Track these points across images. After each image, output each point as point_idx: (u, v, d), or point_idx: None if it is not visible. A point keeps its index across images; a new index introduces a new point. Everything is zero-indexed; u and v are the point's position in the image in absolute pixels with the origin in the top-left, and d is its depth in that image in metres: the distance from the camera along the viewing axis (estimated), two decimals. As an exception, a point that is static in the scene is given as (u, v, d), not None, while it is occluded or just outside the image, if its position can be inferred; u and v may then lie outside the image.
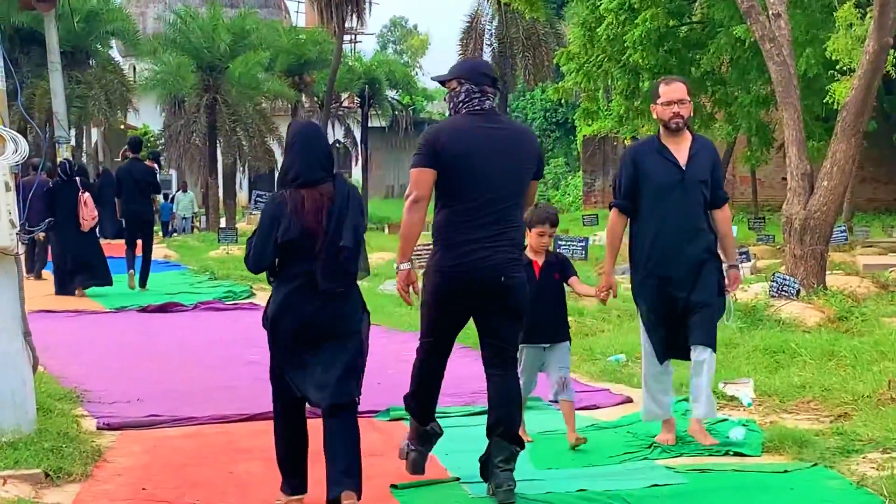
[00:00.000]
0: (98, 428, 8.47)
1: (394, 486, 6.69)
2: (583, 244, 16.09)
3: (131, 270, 18.68)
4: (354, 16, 39.30)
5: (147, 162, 20.25)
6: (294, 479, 6.32)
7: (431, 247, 6.58)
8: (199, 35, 39.43)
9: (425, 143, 6.47)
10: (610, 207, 7.73)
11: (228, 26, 41.05)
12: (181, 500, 6.55)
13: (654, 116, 7.62)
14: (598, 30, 25.46)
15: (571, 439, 7.56)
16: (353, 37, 64.85)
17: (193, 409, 9.03)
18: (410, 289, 6.56)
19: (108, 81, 39.94)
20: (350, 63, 50.87)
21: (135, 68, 59.14)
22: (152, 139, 50.82)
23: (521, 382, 6.89)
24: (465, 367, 10.98)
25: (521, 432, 6.91)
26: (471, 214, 6.35)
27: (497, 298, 6.38)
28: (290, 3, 73.06)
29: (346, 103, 53.20)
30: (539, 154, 6.66)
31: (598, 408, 9.06)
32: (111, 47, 44.56)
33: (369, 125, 50.04)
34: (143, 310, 16.08)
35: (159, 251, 26.84)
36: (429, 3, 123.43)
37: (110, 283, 18.60)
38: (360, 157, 49.24)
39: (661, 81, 7.70)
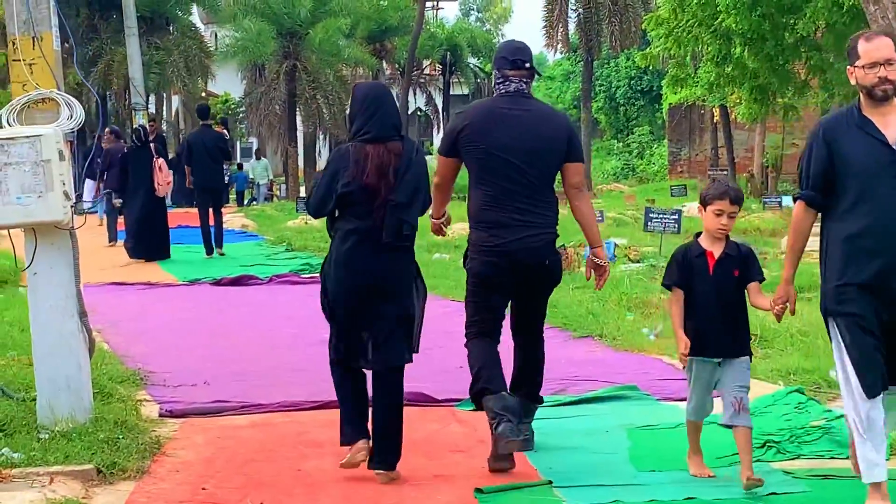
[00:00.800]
0: (160, 415, 7.88)
1: (478, 490, 6.00)
2: (675, 217, 15.24)
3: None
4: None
5: (216, 128, 19.78)
6: (348, 427, 6.39)
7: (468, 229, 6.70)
8: (279, 0, 38.82)
9: (448, 130, 6.82)
10: (794, 200, 5.89)
11: (309, -9, 40.50)
12: (243, 502, 5.92)
13: (853, 82, 5.73)
14: (689, -8, 24.53)
15: (744, 476, 5.96)
16: (434, 3, 64.13)
17: (262, 395, 8.40)
18: (442, 227, 7.05)
19: (186, 47, 39.54)
20: (431, 30, 50.13)
21: (216, 35, 58.98)
22: (233, 107, 50.52)
23: (690, 406, 6.35)
24: (551, 349, 10.31)
25: (698, 464, 6.32)
26: (498, 195, 6.46)
27: (539, 279, 6.58)
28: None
29: (427, 71, 52.49)
30: (570, 136, 6.65)
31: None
32: (191, 13, 44.11)
33: (451, 93, 49.26)
34: (217, 283, 15.49)
35: (236, 220, 26.40)
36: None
37: (167, 257, 18.56)
38: (441, 125, 48.42)
39: (861, 37, 5.75)
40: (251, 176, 41.27)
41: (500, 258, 6.43)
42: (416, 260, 6.53)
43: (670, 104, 45.58)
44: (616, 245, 17.36)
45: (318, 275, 15.96)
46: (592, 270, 6.91)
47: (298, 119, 41.92)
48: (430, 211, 6.74)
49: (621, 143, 59.08)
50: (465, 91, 55.62)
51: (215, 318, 12.67)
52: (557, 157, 6.54)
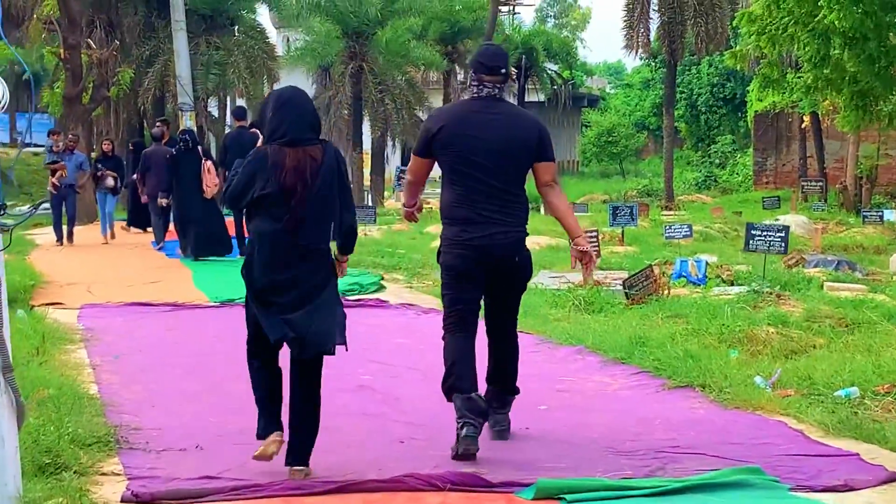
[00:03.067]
0: (122, 500, 5.90)
1: None
2: (782, 234, 13.05)
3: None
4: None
5: (251, 130, 19.04)
6: (264, 419, 6.44)
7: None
8: (346, -1, 36.98)
9: (423, 131, 7.00)
10: None
11: (376, -11, 38.59)
12: None
13: None
14: (786, -12, 22.38)
15: None
16: (511, 8, 62.12)
17: (266, 469, 6.39)
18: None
19: (248, 48, 37.75)
20: (507, 33, 48.07)
21: (288, 40, 57.44)
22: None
23: None
24: (643, 402, 8.25)
25: None
26: (468, 194, 6.73)
27: (510, 276, 6.87)
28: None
29: (501, 75, 50.32)
30: (540, 136, 6.84)
31: (849, 488, 6.08)
32: (256, 13, 42.40)
33: (526, 99, 47.03)
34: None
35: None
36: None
37: (230, 251, 18.60)
38: (515, 132, 46.20)
39: None
40: None
41: (470, 251, 6.71)
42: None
43: (756, 112, 43.29)
44: (707, 264, 15.20)
45: (366, 297, 13.90)
46: (577, 260, 7.09)
47: (366, 123, 40.06)
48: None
49: (702, 153, 56.77)
50: (542, 98, 53.51)
51: (233, 353, 10.58)
52: (527, 157, 6.81)
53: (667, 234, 18.55)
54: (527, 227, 6.87)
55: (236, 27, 40.70)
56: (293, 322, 6.23)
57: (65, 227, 22.25)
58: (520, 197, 6.83)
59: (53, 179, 21.57)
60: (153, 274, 16.86)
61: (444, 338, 6.85)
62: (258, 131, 24.89)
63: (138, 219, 24.77)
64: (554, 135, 41.95)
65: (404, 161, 58.02)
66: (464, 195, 6.73)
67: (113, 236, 22.74)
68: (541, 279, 15.66)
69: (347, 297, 13.99)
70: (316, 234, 6.25)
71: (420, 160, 7.00)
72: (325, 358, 10.25)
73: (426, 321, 12.38)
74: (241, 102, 48.21)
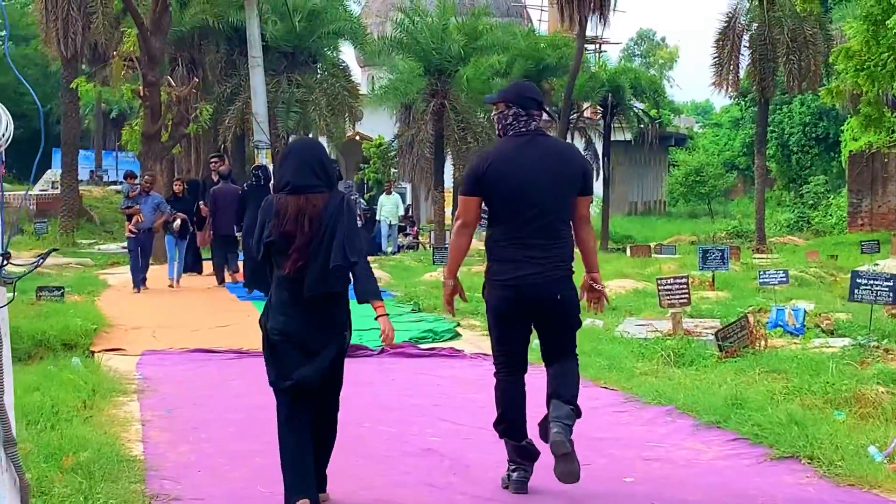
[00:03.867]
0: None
1: None
2: (890, 283, 12.05)
3: None
4: (597, 15, 35.66)
5: None
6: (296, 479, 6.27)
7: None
8: (428, 36, 36.25)
9: (470, 170, 6.91)
10: None
11: (460, 27, 37.75)
12: None
13: None
14: (886, 22, 21.44)
15: None
16: (597, 46, 61.25)
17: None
18: (456, 301, 7.16)
19: (330, 86, 37.25)
20: (592, 70, 47.20)
21: (373, 78, 57.11)
22: (385, 150, 48.29)
23: None
24: (741, 474, 7.40)
25: None
26: (516, 232, 6.69)
27: (553, 314, 6.80)
28: (532, 12, 69.98)
29: (587, 113, 49.45)
30: (584, 171, 6.88)
31: None
32: (338, 50, 41.96)
33: (612, 138, 46.09)
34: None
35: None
36: (678, 15, 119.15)
37: None
38: (601, 172, 45.30)
39: None
40: (379, 216, 36.21)
41: (512, 292, 6.71)
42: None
43: (850, 151, 42.01)
44: (805, 312, 14.23)
45: (440, 345, 13.17)
46: (586, 293, 7.08)
47: (449, 162, 39.38)
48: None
49: (793, 193, 55.44)
50: (627, 137, 52.53)
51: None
52: (573, 191, 6.82)
53: (761, 280, 17.54)
54: (572, 264, 6.82)
55: (318, 65, 40.31)
56: (297, 369, 6.32)
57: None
58: (565, 232, 6.84)
59: (130, 226, 20.68)
60: (222, 317, 16.25)
61: (495, 376, 6.95)
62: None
63: (196, 263, 23.97)
64: (640, 174, 40.98)
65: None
66: (509, 233, 6.74)
67: (178, 283, 21.53)
68: (626, 327, 14.80)
69: (420, 346, 13.24)
70: (321, 282, 6.22)
71: (469, 199, 6.88)
72: (389, 417, 9.62)
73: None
74: (322, 140, 47.98)
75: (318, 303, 6.23)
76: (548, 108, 27.40)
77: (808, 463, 7.52)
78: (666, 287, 14.23)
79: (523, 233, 6.65)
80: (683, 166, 64.97)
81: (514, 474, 6.85)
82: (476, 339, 14.27)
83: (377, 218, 35.89)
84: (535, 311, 6.74)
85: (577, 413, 6.73)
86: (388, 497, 6.82)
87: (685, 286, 14.24)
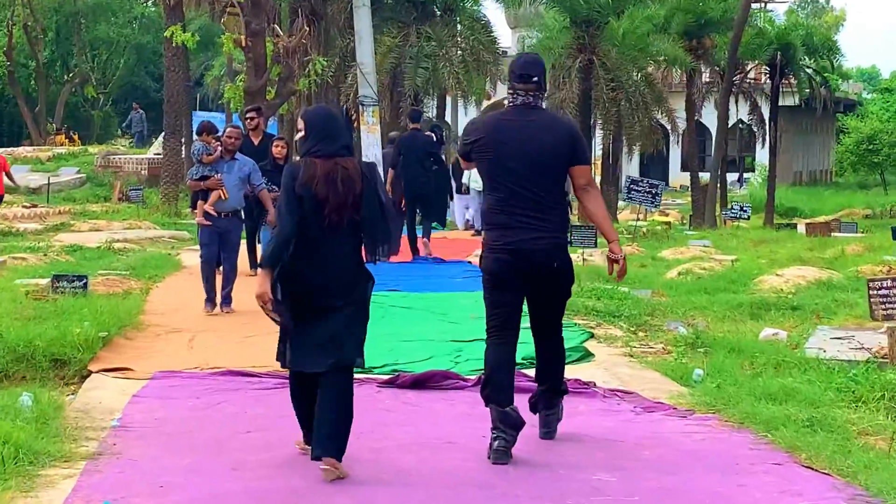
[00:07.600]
0: None
1: None
2: None
3: None
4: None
5: (426, 133, 18.41)
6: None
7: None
8: (574, -20, 32.33)
9: (462, 138, 7.35)
10: None
11: (610, -27, 33.81)
12: None
13: None
14: None
15: None
16: (762, 4, 56.51)
17: None
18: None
19: (465, 40, 33.63)
20: (760, 26, 42.65)
21: (524, 39, 53.59)
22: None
23: None
24: None
25: None
26: (506, 199, 6.89)
27: (550, 282, 6.98)
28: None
29: (752, 75, 44.90)
30: (574, 140, 6.99)
31: None
32: (479, 3, 38.32)
33: (780, 102, 41.49)
34: (391, 382, 9.21)
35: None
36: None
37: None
38: (767, 139, 40.80)
39: None
40: (466, 181, 27.05)
41: (508, 255, 6.83)
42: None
43: None
44: None
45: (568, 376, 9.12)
46: (613, 264, 6.99)
47: (597, 126, 35.47)
48: None
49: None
50: (792, 102, 47.89)
51: (352, 457, 6.33)
52: (562, 162, 6.94)
53: None
54: (566, 233, 7.08)
55: (456, 18, 36.76)
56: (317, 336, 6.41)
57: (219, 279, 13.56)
58: (557, 203, 6.98)
59: (206, 206, 13.13)
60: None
61: (486, 341, 7.02)
62: (433, 134, 21.70)
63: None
64: (806, 142, 36.04)
65: (642, 171, 53.15)
66: (501, 201, 6.92)
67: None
68: (819, 342, 10.93)
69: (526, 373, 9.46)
70: (350, 244, 6.52)
71: (466, 163, 7.39)
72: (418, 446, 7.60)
73: (649, 427, 7.85)
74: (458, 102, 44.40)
75: (346, 259, 6.52)
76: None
77: None
78: (882, 291, 10.21)
79: (513, 201, 6.85)
80: (855, 133, 60.07)
81: (496, 442, 6.78)
82: (614, 360, 10.50)
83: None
84: (530, 276, 6.89)
85: (565, 391, 7.44)
86: None
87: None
